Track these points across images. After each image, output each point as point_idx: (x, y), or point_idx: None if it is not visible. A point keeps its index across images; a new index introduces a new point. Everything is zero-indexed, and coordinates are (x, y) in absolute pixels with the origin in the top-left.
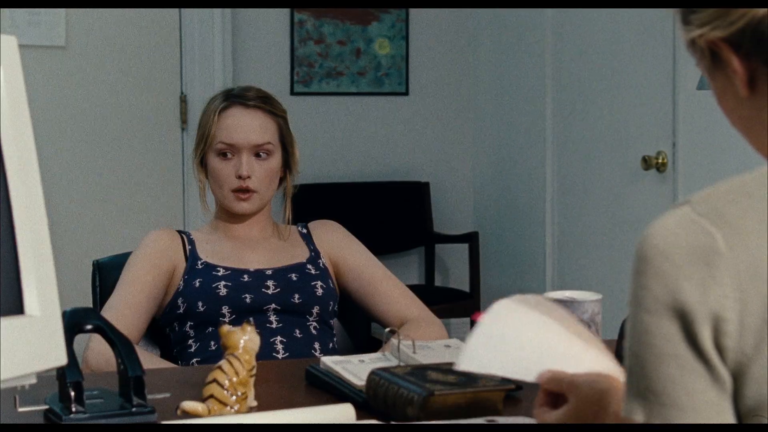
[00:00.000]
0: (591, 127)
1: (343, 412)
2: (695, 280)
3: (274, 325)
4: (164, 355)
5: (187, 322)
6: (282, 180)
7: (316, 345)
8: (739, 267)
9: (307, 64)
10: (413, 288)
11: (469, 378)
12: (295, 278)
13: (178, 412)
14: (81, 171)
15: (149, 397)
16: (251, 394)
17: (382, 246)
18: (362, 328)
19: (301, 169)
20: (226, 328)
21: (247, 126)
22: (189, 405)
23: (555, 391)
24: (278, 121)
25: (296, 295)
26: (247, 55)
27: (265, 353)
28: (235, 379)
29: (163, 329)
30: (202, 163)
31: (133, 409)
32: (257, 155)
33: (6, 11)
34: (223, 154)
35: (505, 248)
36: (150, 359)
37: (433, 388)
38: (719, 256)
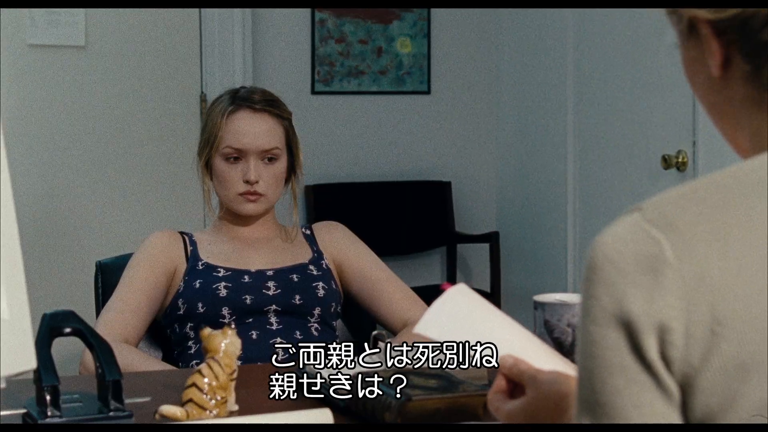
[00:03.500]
0: (612, 125)
1: (321, 417)
2: (642, 289)
3: (274, 327)
4: (166, 357)
5: (188, 323)
6: (286, 182)
7: None
8: (686, 276)
9: (328, 63)
10: (434, 288)
11: (451, 383)
12: (296, 279)
13: (157, 416)
14: (101, 170)
15: (130, 401)
16: (232, 398)
17: (403, 246)
18: (367, 329)
19: (322, 168)
20: (207, 331)
21: (255, 131)
22: (167, 409)
23: (515, 380)
24: (285, 125)
25: (297, 296)
26: (268, 53)
27: (264, 355)
28: (214, 383)
29: (164, 330)
30: (207, 165)
31: (110, 414)
32: (264, 159)
33: (25, 11)
34: (230, 158)
35: (527, 248)
36: (144, 361)
37: (411, 394)
38: (666, 264)
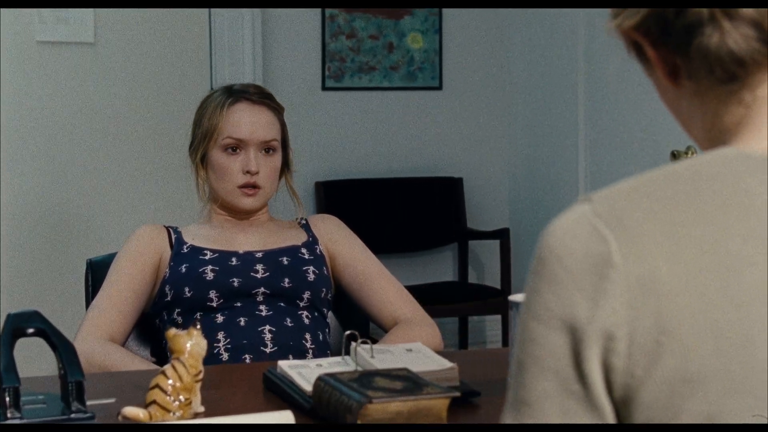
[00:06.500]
0: (622, 122)
1: (282, 419)
2: (587, 292)
3: (263, 314)
4: (155, 350)
5: (175, 309)
6: (279, 179)
7: (307, 336)
8: (632, 280)
9: (338, 59)
10: (447, 285)
11: (416, 385)
12: (286, 262)
13: (119, 418)
14: (108, 168)
15: (95, 402)
16: (197, 399)
17: (414, 242)
18: (358, 324)
19: (333, 164)
20: (172, 331)
21: (255, 121)
22: (130, 411)
23: None
24: (280, 119)
25: (286, 279)
26: (278, 49)
27: (253, 345)
28: (178, 384)
29: (153, 321)
30: (203, 160)
31: (72, 415)
32: (263, 151)
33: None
34: (229, 149)
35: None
36: (128, 360)
37: (373, 396)
38: (612, 266)
